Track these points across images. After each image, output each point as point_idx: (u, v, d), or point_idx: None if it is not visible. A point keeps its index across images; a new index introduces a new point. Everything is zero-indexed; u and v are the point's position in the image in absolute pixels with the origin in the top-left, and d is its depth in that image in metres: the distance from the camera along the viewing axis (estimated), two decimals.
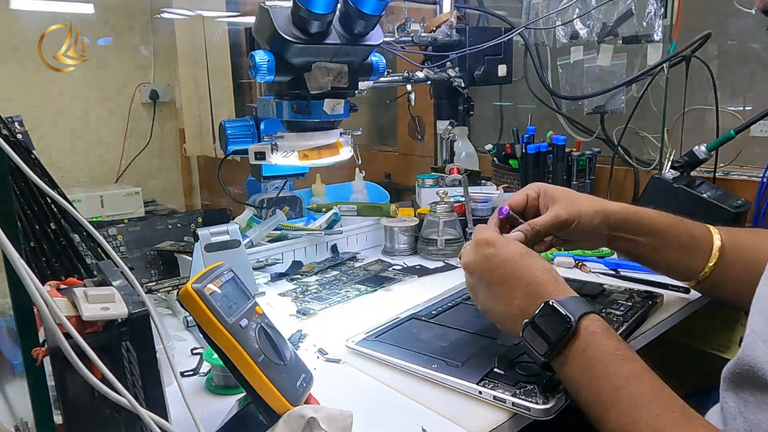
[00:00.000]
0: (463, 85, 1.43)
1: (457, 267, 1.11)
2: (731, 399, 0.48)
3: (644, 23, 1.29)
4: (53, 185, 0.68)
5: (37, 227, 0.64)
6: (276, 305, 0.94)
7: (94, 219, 1.54)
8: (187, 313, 0.57)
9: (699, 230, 0.77)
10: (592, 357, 0.57)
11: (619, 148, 1.40)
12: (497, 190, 1.30)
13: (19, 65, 2.38)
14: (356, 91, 0.96)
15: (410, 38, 1.38)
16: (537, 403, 0.59)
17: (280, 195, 1.27)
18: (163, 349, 0.55)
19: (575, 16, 1.39)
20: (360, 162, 1.17)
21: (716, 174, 1.26)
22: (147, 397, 0.47)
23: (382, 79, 1.02)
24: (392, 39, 1.34)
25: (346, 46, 0.88)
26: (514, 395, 0.61)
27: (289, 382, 0.52)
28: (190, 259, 0.96)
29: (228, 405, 0.63)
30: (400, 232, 1.19)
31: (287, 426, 0.50)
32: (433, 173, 1.38)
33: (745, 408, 0.47)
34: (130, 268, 0.60)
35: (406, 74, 1.38)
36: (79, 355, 0.40)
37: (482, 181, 1.36)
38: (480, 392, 0.63)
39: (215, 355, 0.52)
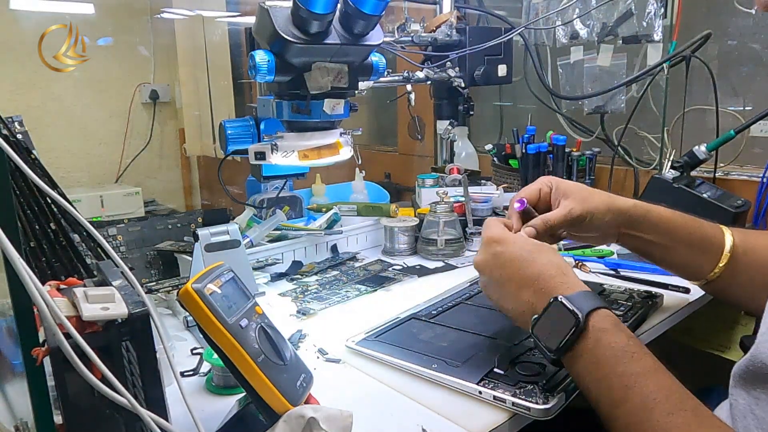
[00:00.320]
0: (463, 85, 1.43)
1: (457, 267, 1.11)
2: (741, 396, 0.48)
3: (644, 23, 1.29)
4: (53, 185, 0.68)
5: (37, 227, 0.64)
6: (276, 305, 0.94)
7: (94, 219, 1.54)
8: (187, 313, 0.57)
9: (711, 230, 0.76)
10: (601, 354, 0.56)
11: (619, 148, 1.40)
12: (497, 190, 1.30)
13: (19, 65, 2.38)
14: (356, 91, 0.96)
15: (410, 38, 1.38)
16: (537, 403, 0.59)
17: (280, 195, 1.27)
18: (163, 349, 0.55)
19: (575, 16, 1.39)
20: (360, 162, 1.17)
21: (716, 174, 1.26)
22: (147, 397, 0.47)
23: (382, 79, 1.02)
24: (392, 39, 1.34)
25: (346, 46, 0.88)
26: (514, 395, 0.61)
27: (289, 382, 0.52)
28: (190, 259, 0.96)
29: (228, 405, 0.63)
30: (400, 232, 1.19)
31: (287, 426, 0.50)
32: (433, 173, 1.38)
33: (756, 405, 0.46)
34: (130, 268, 0.60)
35: (406, 74, 1.38)
36: (79, 355, 0.40)
37: (482, 181, 1.35)
38: (480, 392, 0.63)
39: (215, 355, 0.52)
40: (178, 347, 0.79)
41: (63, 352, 0.40)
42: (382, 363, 0.72)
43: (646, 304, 0.85)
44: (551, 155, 1.32)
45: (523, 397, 0.61)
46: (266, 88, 1.02)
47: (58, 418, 0.45)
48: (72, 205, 0.51)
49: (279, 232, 1.14)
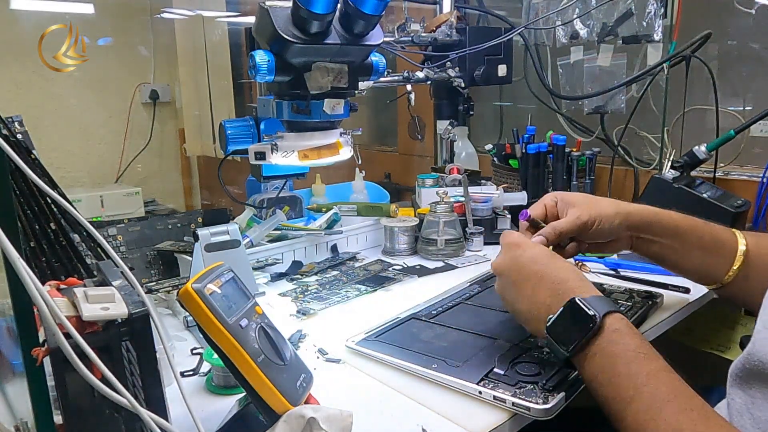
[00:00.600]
0: (463, 85, 1.43)
1: (457, 267, 1.11)
2: (738, 395, 0.48)
3: (644, 23, 1.29)
4: (53, 185, 0.68)
5: (37, 227, 0.63)
6: (276, 305, 0.94)
7: (94, 219, 1.54)
8: (187, 313, 0.57)
9: (723, 234, 0.76)
10: (614, 354, 0.57)
11: (619, 148, 1.40)
12: (497, 190, 1.30)
13: (19, 65, 2.38)
14: (356, 91, 0.96)
15: (410, 38, 1.38)
16: (537, 403, 0.59)
17: (280, 195, 1.27)
18: (163, 349, 0.55)
19: (575, 16, 1.39)
20: (360, 162, 1.17)
21: (716, 174, 1.26)
22: (147, 397, 0.47)
23: (382, 79, 1.02)
24: (392, 39, 1.34)
25: (346, 46, 0.88)
26: (514, 395, 0.61)
27: (289, 382, 0.52)
28: (190, 259, 0.96)
29: (228, 405, 0.63)
30: (400, 232, 1.19)
31: (287, 426, 0.50)
32: (433, 173, 1.38)
33: (753, 405, 0.46)
34: (130, 268, 0.60)
35: (406, 74, 1.38)
36: (79, 355, 0.40)
37: (482, 181, 1.35)
38: (480, 392, 0.63)
39: (215, 355, 0.52)
40: (178, 347, 0.79)
41: (63, 352, 0.40)
42: (382, 363, 0.72)
43: (646, 304, 0.85)
44: (551, 155, 1.32)
45: (523, 397, 0.61)
46: (266, 88, 1.02)
47: (58, 418, 0.45)
48: (72, 205, 0.51)
49: (279, 232, 1.14)
